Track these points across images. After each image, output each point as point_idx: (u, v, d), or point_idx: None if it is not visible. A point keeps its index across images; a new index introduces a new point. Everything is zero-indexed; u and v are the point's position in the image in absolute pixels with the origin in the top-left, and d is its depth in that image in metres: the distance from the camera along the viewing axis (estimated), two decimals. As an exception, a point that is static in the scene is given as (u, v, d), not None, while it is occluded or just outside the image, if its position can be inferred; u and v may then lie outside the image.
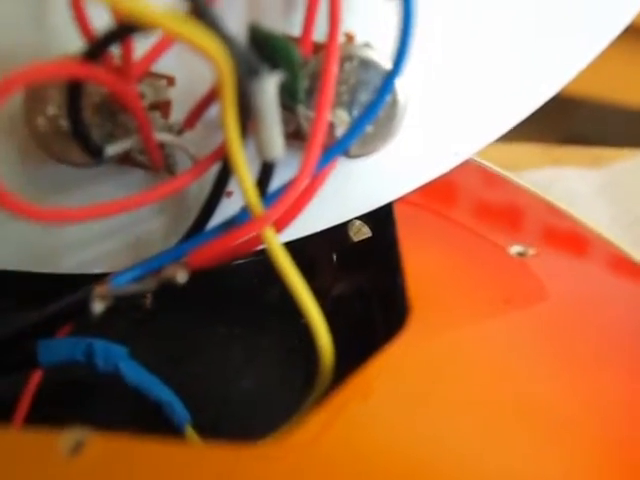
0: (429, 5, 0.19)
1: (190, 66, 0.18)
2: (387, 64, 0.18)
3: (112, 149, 0.18)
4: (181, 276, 0.15)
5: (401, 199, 0.21)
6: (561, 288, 0.20)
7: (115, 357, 0.19)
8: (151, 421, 0.19)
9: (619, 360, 0.19)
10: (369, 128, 0.19)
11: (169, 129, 0.18)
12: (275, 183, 0.17)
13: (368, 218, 0.22)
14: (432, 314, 0.17)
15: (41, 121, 0.18)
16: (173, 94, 0.19)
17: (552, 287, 0.21)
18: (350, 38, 0.19)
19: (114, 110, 0.18)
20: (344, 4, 0.17)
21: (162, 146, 0.19)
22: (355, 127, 0.18)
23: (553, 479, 0.15)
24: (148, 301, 0.20)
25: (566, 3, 0.20)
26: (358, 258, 0.23)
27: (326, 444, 0.14)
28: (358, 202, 0.21)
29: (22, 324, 0.18)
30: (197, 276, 0.17)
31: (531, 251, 0.20)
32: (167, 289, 0.16)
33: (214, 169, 0.18)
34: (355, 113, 0.18)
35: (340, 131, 0.18)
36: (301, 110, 0.18)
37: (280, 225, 0.17)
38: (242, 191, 0.16)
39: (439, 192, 0.22)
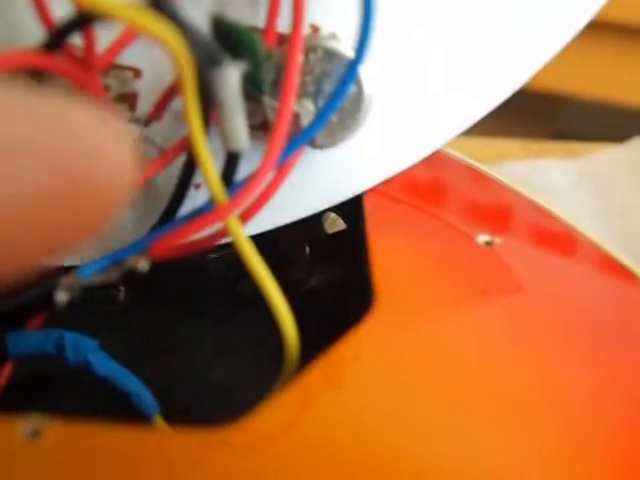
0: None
1: (156, 58, 0.18)
2: (352, 54, 0.18)
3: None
4: (142, 265, 0.15)
5: (371, 190, 0.21)
6: (529, 277, 0.20)
7: (85, 349, 0.19)
8: (120, 413, 0.19)
9: (585, 348, 0.19)
10: (334, 118, 0.19)
11: (136, 121, 0.18)
12: (244, 175, 0.17)
13: (341, 210, 0.22)
14: (397, 302, 0.17)
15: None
16: (139, 86, 0.19)
17: (521, 276, 0.21)
18: (315, 29, 0.19)
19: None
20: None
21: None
22: (320, 116, 0.18)
23: (518, 464, 0.16)
24: (121, 294, 0.20)
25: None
26: (332, 250, 0.23)
27: (290, 427, 0.14)
28: (327, 194, 0.21)
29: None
30: (170, 269, 0.17)
31: (497, 240, 0.20)
32: (138, 281, 0.17)
33: (182, 161, 0.18)
34: (321, 104, 0.18)
35: (306, 121, 0.18)
36: (267, 101, 0.18)
37: (247, 216, 0.18)
38: (205, 181, 0.16)
39: (405, 183, 0.22)
